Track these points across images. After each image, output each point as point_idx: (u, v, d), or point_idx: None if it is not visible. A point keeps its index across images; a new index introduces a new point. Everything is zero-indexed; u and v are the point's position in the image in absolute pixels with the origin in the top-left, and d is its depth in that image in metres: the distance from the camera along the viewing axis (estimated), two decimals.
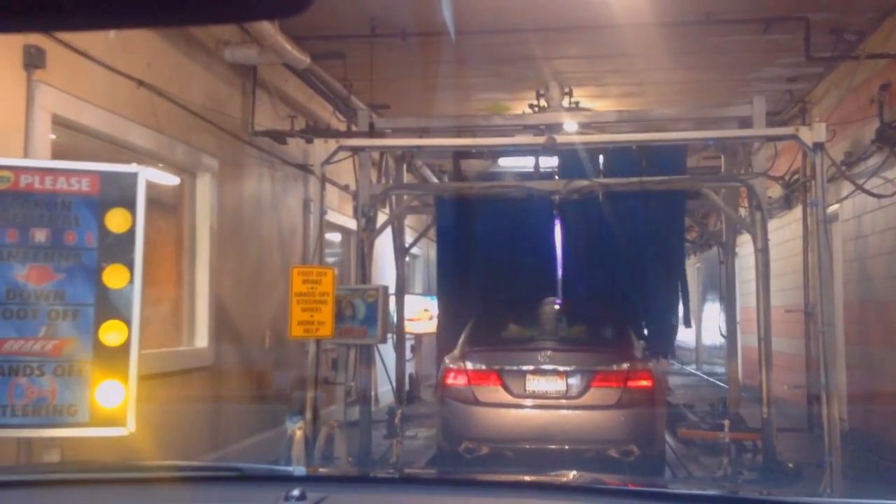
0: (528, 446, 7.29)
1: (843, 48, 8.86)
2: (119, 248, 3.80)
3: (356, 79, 9.39)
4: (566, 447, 7.27)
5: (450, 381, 7.61)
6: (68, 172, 3.75)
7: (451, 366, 7.68)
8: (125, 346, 3.84)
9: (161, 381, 6.48)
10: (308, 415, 6.47)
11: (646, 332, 9.30)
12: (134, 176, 3.87)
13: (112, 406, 3.82)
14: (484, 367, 7.52)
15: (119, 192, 3.82)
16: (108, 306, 3.75)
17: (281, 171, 9.42)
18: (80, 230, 3.83)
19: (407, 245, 10.65)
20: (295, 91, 9.40)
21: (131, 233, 3.82)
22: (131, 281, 3.80)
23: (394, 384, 9.84)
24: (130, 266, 3.80)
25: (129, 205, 3.83)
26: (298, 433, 5.10)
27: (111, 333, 3.71)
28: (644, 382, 7.40)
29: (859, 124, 8.92)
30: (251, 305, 8.54)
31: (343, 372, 7.92)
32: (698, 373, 20.28)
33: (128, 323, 3.83)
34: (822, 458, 6.95)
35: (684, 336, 18.44)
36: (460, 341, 8.12)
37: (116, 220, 3.79)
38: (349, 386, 7.87)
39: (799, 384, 10.52)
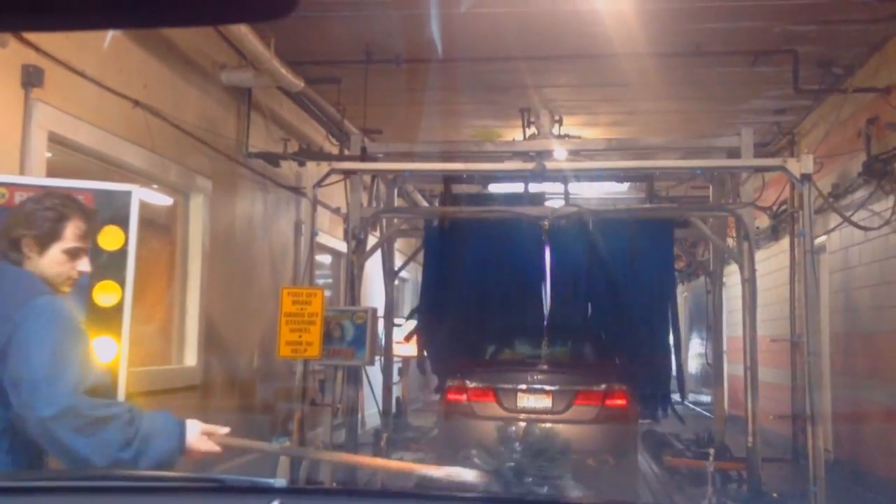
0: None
1: (830, 81, 8.98)
2: (111, 266, 3.81)
3: (350, 103, 9.47)
4: None
5: (451, 396, 8.40)
6: (63, 189, 3.77)
7: (453, 383, 8.47)
8: (114, 364, 3.86)
9: (149, 399, 6.48)
10: (294, 436, 6.48)
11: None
12: (128, 194, 3.90)
13: None
14: (481, 384, 8.29)
15: (113, 211, 3.84)
16: (98, 323, 3.77)
17: (273, 192, 9.48)
18: None
19: (396, 268, 10.69)
20: (289, 114, 9.48)
21: (123, 251, 3.83)
22: (122, 299, 3.83)
23: (380, 407, 9.85)
24: (122, 284, 3.82)
25: (123, 223, 3.84)
26: None
27: (100, 350, 3.73)
28: (619, 401, 8.22)
29: (847, 157, 9.02)
30: (240, 325, 8.57)
31: (330, 393, 7.93)
32: (684, 401, 20.23)
33: (117, 340, 3.86)
34: (807, 488, 6.98)
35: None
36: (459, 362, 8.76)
37: (109, 238, 3.80)
38: (336, 408, 7.88)
39: (784, 414, 10.56)
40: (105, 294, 3.81)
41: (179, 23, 1.22)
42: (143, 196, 4.35)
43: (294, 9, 0.99)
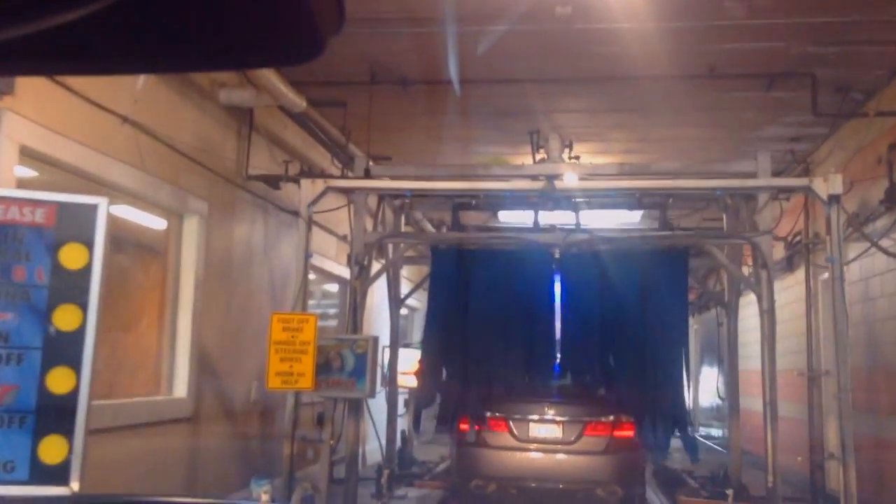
0: (529, 484, 8.26)
1: (849, 107, 8.69)
2: (73, 287, 3.47)
3: (355, 128, 9.22)
4: (560, 486, 8.23)
5: (463, 426, 8.49)
6: (22, 202, 3.41)
7: (465, 413, 8.53)
8: (73, 396, 3.46)
9: (134, 433, 6.16)
10: (284, 476, 6.10)
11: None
12: (94, 208, 3.56)
13: (55, 462, 3.45)
14: (494, 415, 8.42)
15: (77, 226, 3.49)
16: (57, 351, 3.41)
17: (275, 216, 9.20)
18: (31, 265, 3.46)
19: (403, 296, 10.37)
20: (293, 137, 9.22)
21: (87, 270, 3.48)
22: (84, 323, 3.48)
23: (383, 441, 9.46)
24: (84, 307, 3.48)
25: (87, 239, 3.52)
26: (265, 497, 4.68)
27: (58, 381, 3.38)
28: (628, 432, 8.34)
29: (867, 184, 8.70)
30: (236, 355, 8.22)
31: (327, 428, 7.55)
32: (695, 435, 19.77)
33: (77, 369, 3.47)
34: None
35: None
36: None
37: (71, 256, 3.45)
38: (332, 443, 7.50)
39: (800, 450, 10.15)
40: (65, 318, 3.47)
41: (200, 68, 1.25)
42: (124, 213, 4.03)
43: (320, 54, 0.97)
